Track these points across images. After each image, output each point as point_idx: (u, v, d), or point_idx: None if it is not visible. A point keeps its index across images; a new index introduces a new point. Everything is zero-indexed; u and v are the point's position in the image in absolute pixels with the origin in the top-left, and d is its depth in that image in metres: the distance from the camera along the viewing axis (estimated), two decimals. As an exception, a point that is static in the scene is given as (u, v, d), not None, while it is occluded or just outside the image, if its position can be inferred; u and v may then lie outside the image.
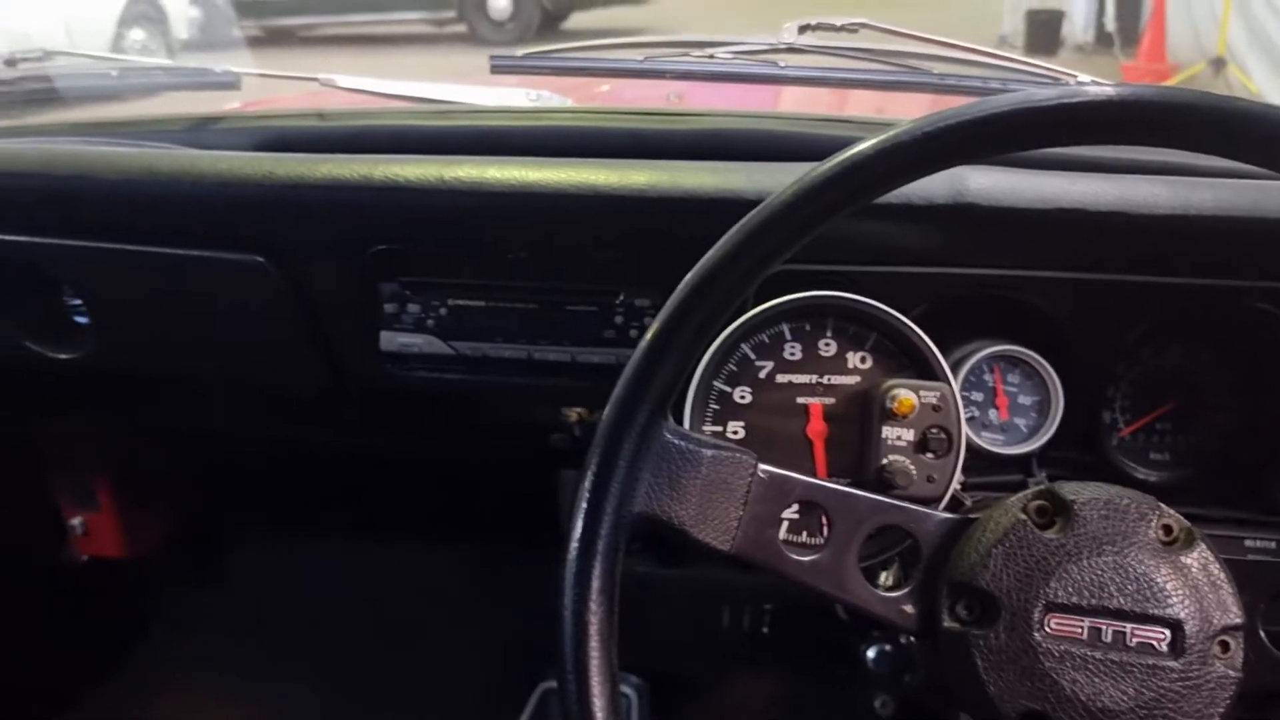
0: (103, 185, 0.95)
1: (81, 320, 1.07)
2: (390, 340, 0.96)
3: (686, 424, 0.77)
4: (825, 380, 0.78)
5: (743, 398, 0.78)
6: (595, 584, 0.60)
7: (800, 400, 0.78)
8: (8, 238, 1.00)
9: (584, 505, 0.61)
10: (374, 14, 9.20)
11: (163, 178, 0.93)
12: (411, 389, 1.00)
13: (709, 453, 0.63)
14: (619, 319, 0.91)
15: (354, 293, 0.95)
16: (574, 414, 1.04)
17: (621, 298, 0.91)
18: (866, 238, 0.82)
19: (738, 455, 0.63)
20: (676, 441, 0.62)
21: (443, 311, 0.94)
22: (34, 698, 1.64)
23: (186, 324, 1.00)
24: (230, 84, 1.17)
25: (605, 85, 1.54)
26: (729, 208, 0.81)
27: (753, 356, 0.78)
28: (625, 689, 1.43)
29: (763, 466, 0.63)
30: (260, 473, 1.73)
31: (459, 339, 0.95)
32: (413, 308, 0.95)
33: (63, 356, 1.06)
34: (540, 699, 1.43)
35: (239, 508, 1.80)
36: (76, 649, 1.73)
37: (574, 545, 0.61)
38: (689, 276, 0.61)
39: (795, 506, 0.65)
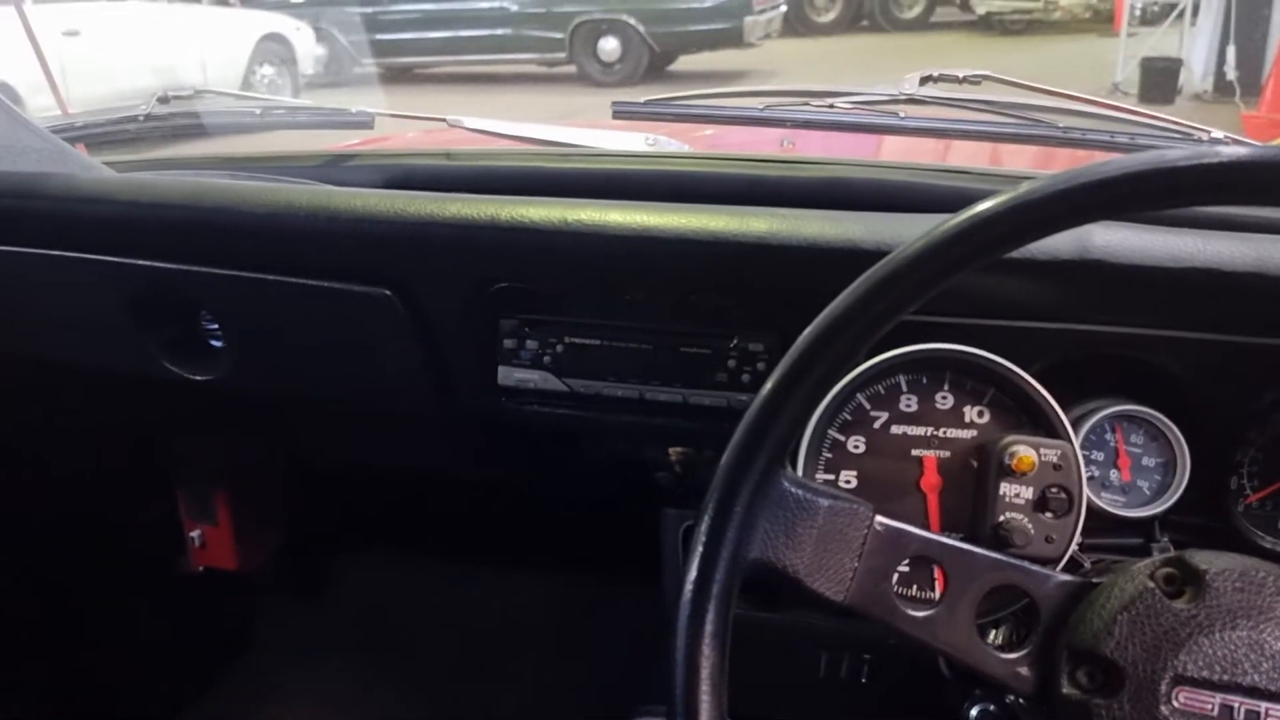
0: (246, 218, 1.00)
1: (217, 344, 1.12)
2: (507, 375, 0.99)
3: (800, 470, 0.78)
4: (941, 433, 0.78)
5: (856, 447, 0.78)
6: (709, 628, 0.61)
7: (915, 452, 0.78)
8: (155, 264, 1.05)
9: (699, 549, 0.62)
10: (489, 55, 9.50)
11: (301, 212, 0.98)
12: (524, 423, 1.02)
13: (826, 502, 0.63)
14: (732, 363, 0.92)
15: (475, 328, 0.98)
16: (675, 454, 1.05)
17: (735, 341, 0.91)
18: (987, 291, 0.81)
19: (854, 506, 0.63)
20: (794, 490, 0.63)
21: (559, 349, 0.96)
22: (141, 703, 1.71)
23: (315, 352, 1.05)
24: (365, 124, 1.23)
25: (710, 129, 1.56)
26: (847, 258, 0.82)
27: (868, 406, 0.78)
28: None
29: (879, 519, 0.63)
30: (367, 495, 1.78)
31: (574, 376, 0.97)
32: (530, 344, 0.97)
33: (198, 378, 1.11)
34: (635, 735, 1.43)
35: (345, 528, 1.85)
36: (184, 658, 1.79)
37: (688, 589, 0.61)
38: (813, 326, 0.61)
39: (906, 560, 0.65)
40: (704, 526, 0.62)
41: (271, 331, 1.06)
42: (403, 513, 1.78)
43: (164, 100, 1.25)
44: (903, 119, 1.01)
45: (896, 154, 1.29)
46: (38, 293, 1.13)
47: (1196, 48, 7.65)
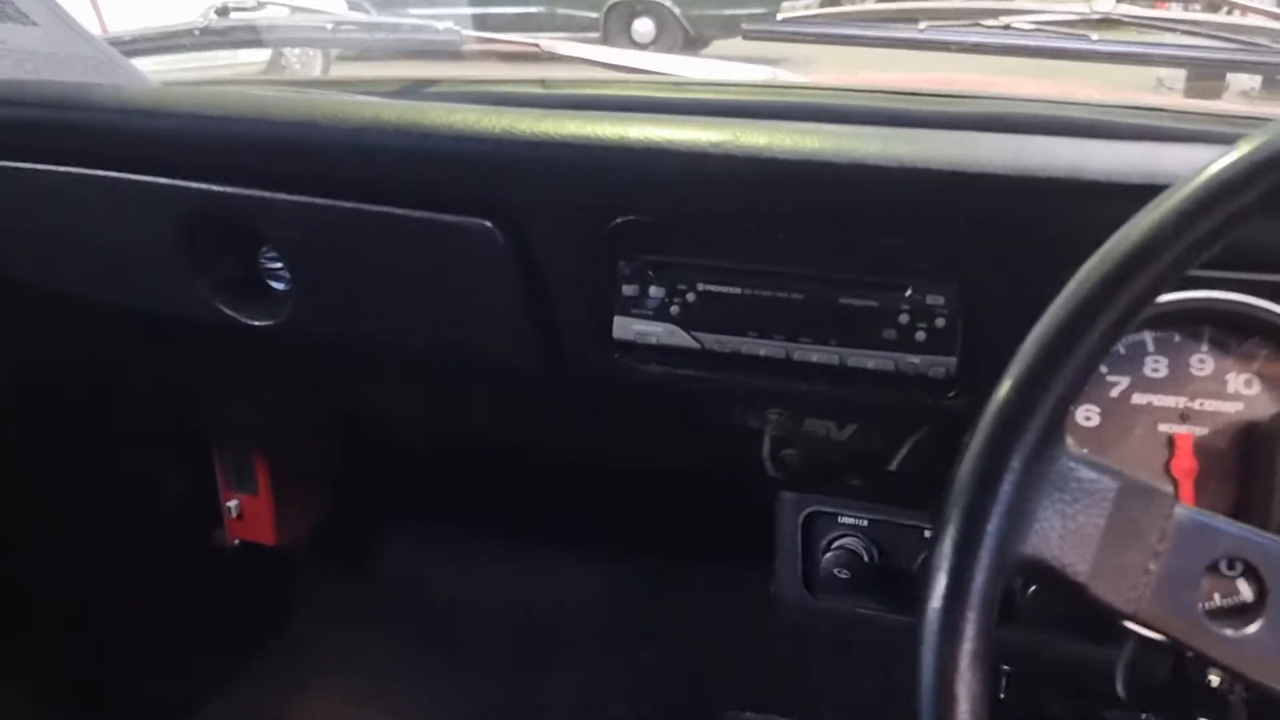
0: (323, 134, 0.86)
1: (279, 286, 0.98)
2: (625, 327, 0.84)
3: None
4: (1197, 405, 0.63)
5: (1088, 419, 0.64)
6: (967, 645, 0.46)
7: (1163, 428, 0.63)
8: (214, 187, 0.91)
9: (952, 542, 0.47)
10: (521, 34, 9.30)
11: (390, 128, 0.83)
12: (637, 385, 0.87)
13: (1116, 484, 0.48)
14: (904, 318, 0.77)
15: (589, 270, 0.83)
16: (815, 425, 0.90)
17: (909, 292, 0.76)
18: (1258, 237, 0.66)
19: (1150, 489, 0.48)
20: (1079, 467, 0.48)
21: (690, 298, 0.82)
22: (174, 684, 1.58)
23: (396, 292, 0.90)
24: (451, 45, 1.08)
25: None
26: (1088, 191, 0.67)
27: (1104, 370, 0.64)
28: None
29: (1181, 507, 0.48)
30: (421, 463, 1.64)
31: (706, 330, 0.82)
32: (655, 291, 0.82)
33: (256, 323, 0.97)
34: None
35: (394, 499, 1.71)
36: (219, 638, 1.66)
37: (939, 594, 0.47)
38: (1116, 242, 0.47)
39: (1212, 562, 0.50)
40: (958, 512, 0.47)
41: (346, 269, 0.92)
42: (458, 483, 1.63)
43: (222, 12, 1.10)
44: (1094, 42, 0.86)
45: (1068, 89, 1.13)
46: (77, 219, 0.99)
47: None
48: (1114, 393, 0.63)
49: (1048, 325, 0.47)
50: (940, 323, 0.76)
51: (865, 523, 0.98)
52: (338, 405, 1.38)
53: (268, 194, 0.90)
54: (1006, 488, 0.47)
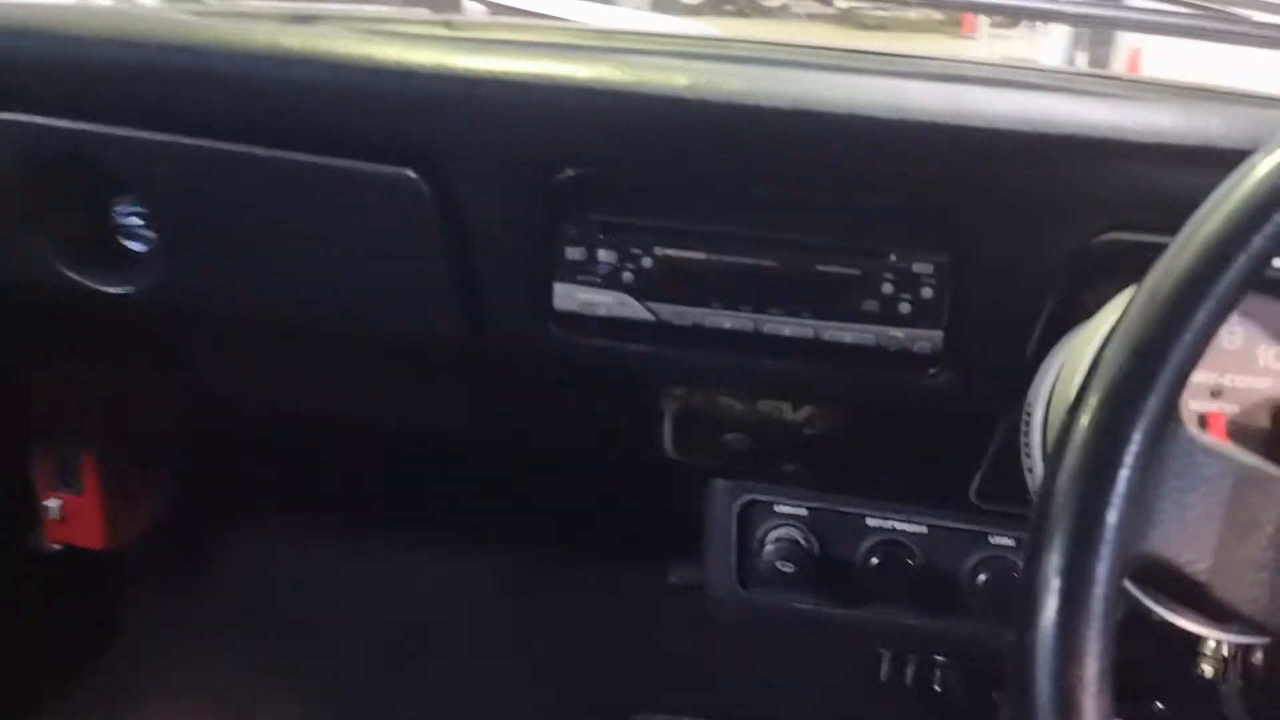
0: (204, 60, 0.72)
1: (138, 246, 0.83)
2: (568, 296, 0.74)
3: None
4: (1228, 381, 0.58)
5: (1115, 396, 0.58)
6: (1092, 666, 0.39)
7: (1193, 406, 0.58)
8: (57, 122, 0.75)
9: (1065, 542, 0.40)
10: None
11: (292, 57, 0.71)
12: (576, 361, 0.78)
13: (1233, 468, 0.42)
14: (887, 288, 0.70)
15: (528, 230, 0.73)
16: (768, 407, 0.83)
17: (893, 258, 0.70)
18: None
19: (1268, 475, 0.43)
20: (1196, 450, 0.42)
21: (645, 263, 0.72)
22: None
23: (292, 255, 0.77)
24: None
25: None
26: (1110, 149, 0.61)
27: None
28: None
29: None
30: (273, 455, 1.48)
31: (662, 300, 0.73)
32: (605, 256, 0.73)
33: (110, 290, 0.81)
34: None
35: (243, 496, 1.54)
36: (33, 655, 1.45)
37: (1052, 607, 0.40)
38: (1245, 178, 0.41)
39: None
40: (1070, 506, 0.40)
41: (229, 227, 0.78)
42: (316, 477, 1.48)
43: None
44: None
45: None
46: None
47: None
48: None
49: (1170, 277, 0.41)
50: (927, 293, 0.70)
51: (804, 512, 0.92)
52: (191, 388, 1.21)
53: (130, 131, 0.75)
54: (1126, 474, 0.40)
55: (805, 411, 0.82)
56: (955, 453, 0.84)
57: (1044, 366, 0.63)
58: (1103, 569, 0.40)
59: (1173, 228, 0.65)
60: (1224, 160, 0.62)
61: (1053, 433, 0.58)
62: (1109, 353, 0.41)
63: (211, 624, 1.57)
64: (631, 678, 1.32)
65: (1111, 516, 0.40)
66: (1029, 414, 0.62)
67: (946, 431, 0.81)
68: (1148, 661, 0.80)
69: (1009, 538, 0.88)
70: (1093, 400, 0.41)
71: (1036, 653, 0.40)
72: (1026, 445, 0.62)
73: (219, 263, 0.79)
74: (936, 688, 0.98)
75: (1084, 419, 0.41)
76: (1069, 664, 0.39)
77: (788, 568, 0.88)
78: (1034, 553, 0.41)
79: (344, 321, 0.80)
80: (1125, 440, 0.40)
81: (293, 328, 0.83)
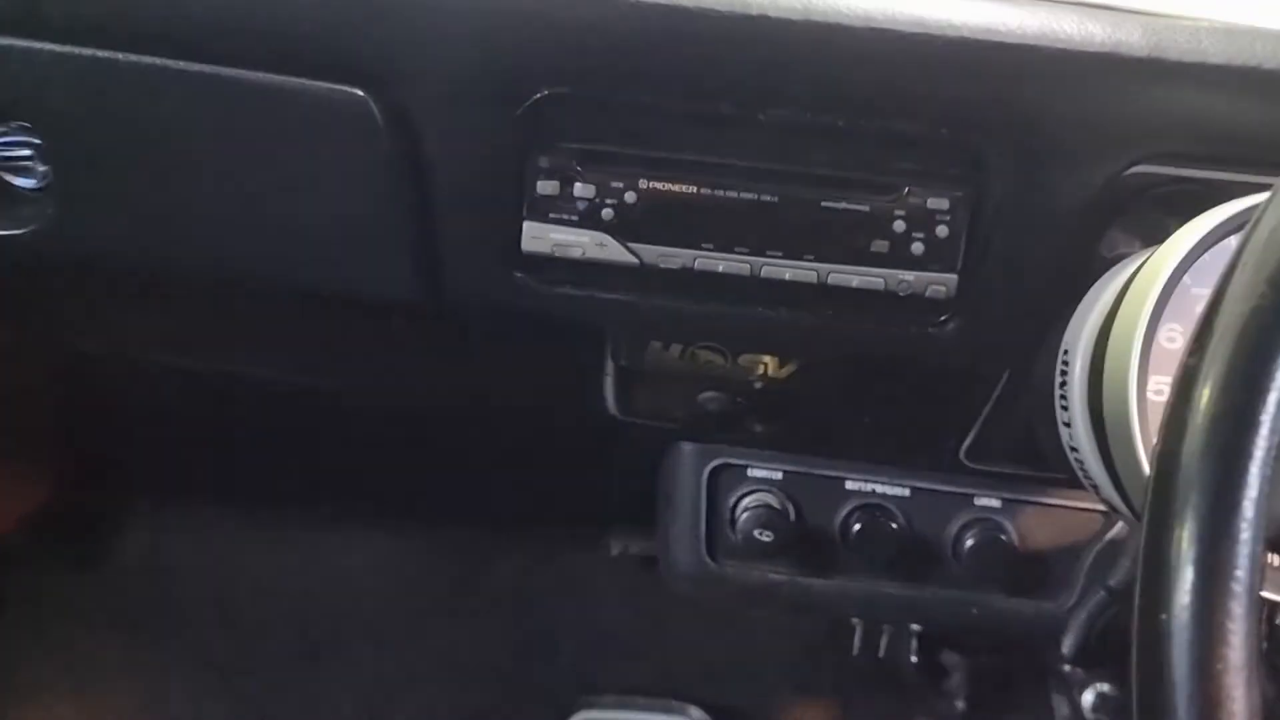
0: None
1: (23, 182, 0.70)
2: (539, 236, 0.65)
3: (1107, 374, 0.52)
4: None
5: (1171, 340, 0.53)
6: (1238, 650, 0.33)
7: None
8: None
9: (1203, 506, 0.34)
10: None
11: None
12: (546, 313, 0.69)
13: None
14: (899, 225, 0.63)
15: (494, 160, 0.64)
16: (761, 365, 0.75)
17: (906, 193, 0.63)
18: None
19: None
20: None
21: (629, 198, 0.64)
22: None
23: (214, 191, 0.66)
24: None
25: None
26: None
27: (1189, 282, 0.53)
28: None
29: None
30: (174, 425, 1.35)
31: (648, 241, 0.65)
32: (582, 190, 0.64)
33: (-9, 232, 0.69)
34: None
35: (140, 472, 1.40)
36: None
37: (1189, 582, 0.33)
38: None
39: None
40: (1207, 463, 0.34)
41: (134, 156, 0.66)
42: (222, 448, 1.35)
43: None
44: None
45: None
46: None
47: None
48: (1200, 308, 0.53)
49: None
50: (942, 232, 0.63)
51: (779, 475, 0.86)
52: (85, 352, 1.07)
53: (11, 40, 0.63)
54: (1270, 424, 0.34)
55: (783, 366, 0.75)
56: (943, 410, 0.78)
57: (1081, 309, 0.57)
58: (1247, 535, 0.34)
59: (1212, 159, 0.61)
60: (1269, 85, 0.58)
61: (1102, 378, 0.52)
62: (1236, 292, 0.35)
63: (108, 613, 1.43)
64: (575, 657, 1.25)
65: (1254, 475, 0.34)
66: (1067, 361, 0.57)
67: (937, 387, 0.76)
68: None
69: (995, 499, 0.84)
70: (1229, 339, 0.35)
71: (1174, 636, 0.34)
72: (1064, 395, 0.57)
73: (124, 201, 0.68)
74: (913, 658, 0.93)
75: (1218, 363, 0.35)
76: (1215, 649, 0.33)
77: (766, 536, 0.82)
78: (1161, 522, 0.35)
79: (274, 271, 0.70)
80: (1268, 386, 0.34)
81: (212, 279, 0.72)
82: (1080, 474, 0.57)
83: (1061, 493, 0.83)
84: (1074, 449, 0.56)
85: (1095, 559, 0.84)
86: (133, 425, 1.36)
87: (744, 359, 0.75)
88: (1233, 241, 0.53)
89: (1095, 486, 0.56)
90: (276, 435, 1.39)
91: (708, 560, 0.87)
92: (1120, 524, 0.83)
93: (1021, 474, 0.82)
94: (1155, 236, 0.61)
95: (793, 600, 0.89)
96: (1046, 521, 0.84)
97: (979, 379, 0.72)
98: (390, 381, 0.91)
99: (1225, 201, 0.54)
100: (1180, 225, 0.55)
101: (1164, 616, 0.34)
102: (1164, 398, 0.51)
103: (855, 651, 0.96)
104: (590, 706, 1.15)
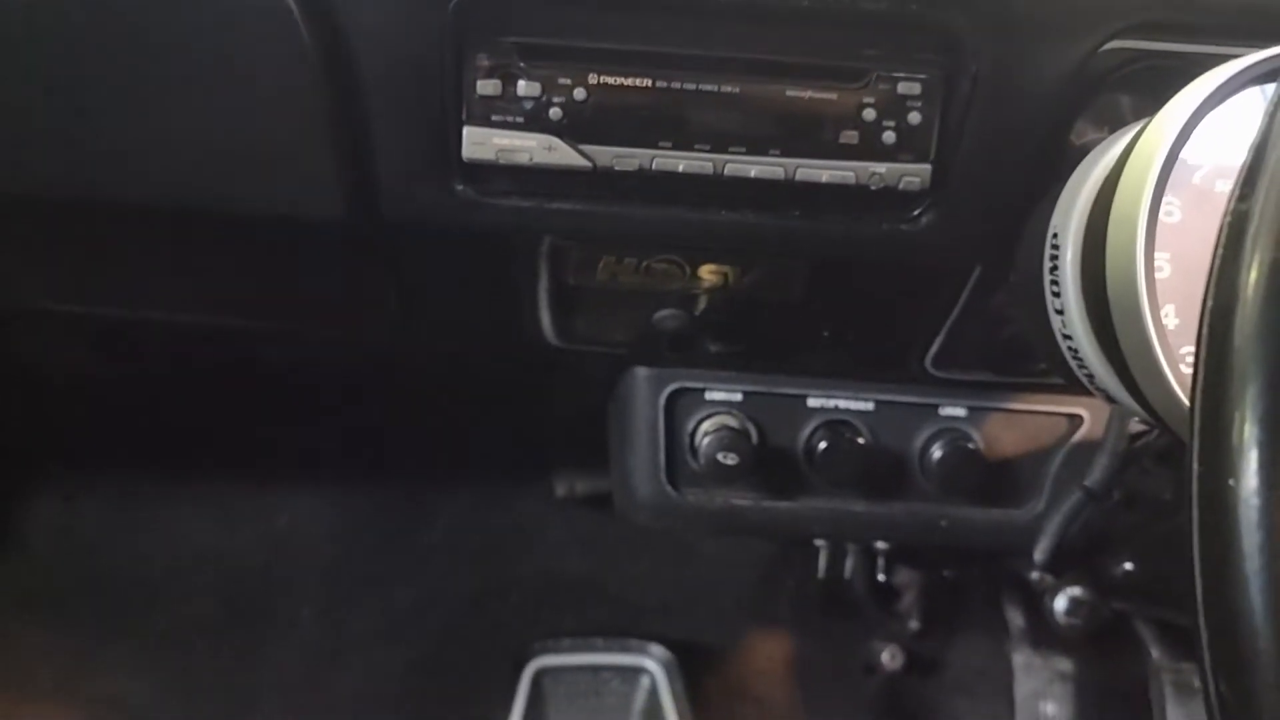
0: None
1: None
2: (480, 142, 0.60)
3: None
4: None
5: (1170, 214, 0.50)
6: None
7: (1251, 222, 0.51)
8: None
9: (1267, 360, 0.31)
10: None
11: None
12: (489, 228, 0.64)
13: None
14: (869, 113, 0.60)
15: (428, 59, 0.58)
16: (721, 276, 0.71)
17: (876, 79, 0.59)
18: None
19: None
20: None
21: (578, 95, 0.59)
22: None
23: (122, 106, 0.59)
24: None
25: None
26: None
27: (1184, 156, 0.50)
28: (648, 664, 1.12)
29: None
30: (78, 387, 1.26)
31: (599, 141, 0.60)
32: (527, 88, 0.59)
33: None
34: (534, 681, 1.09)
35: (44, 439, 1.31)
36: None
37: (1252, 468, 0.31)
38: None
39: None
40: (1266, 311, 0.31)
41: (36, 70, 0.59)
42: (152, 410, 1.27)
43: None
44: None
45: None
46: None
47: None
48: (1197, 179, 0.50)
49: None
50: (914, 119, 0.59)
51: (739, 396, 0.82)
52: None
53: None
54: None
55: (744, 276, 0.70)
56: (909, 317, 0.76)
57: (1069, 190, 0.54)
58: None
59: (1189, 30, 0.58)
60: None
61: (1098, 259, 0.49)
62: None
63: (21, 591, 1.34)
64: (527, 605, 1.21)
65: None
66: (1057, 245, 0.54)
67: (904, 292, 0.73)
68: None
69: (961, 407, 0.82)
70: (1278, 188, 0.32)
71: (1242, 504, 0.31)
72: (1055, 282, 0.54)
73: (25, 123, 0.60)
74: (880, 577, 0.91)
75: (1270, 210, 0.32)
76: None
77: (729, 459, 0.79)
78: (1220, 378, 0.32)
79: (192, 193, 0.63)
80: None
81: (125, 206, 0.64)
82: (1073, 363, 0.54)
83: (1027, 397, 0.81)
84: (1067, 336, 0.53)
85: (1062, 463, 0.82)
86: (40, 389, 1.27)
87: (704, 270, 0.70)
88: (1225, 110, 0.51)
89: (1090, 375, 0.54)
90: (194, 393, 1.31)
91: (669, 489, 0.83)
92: (1087, 426, 0.81)
93: (987, 380, 0.80)
94: (1123, 123, 0.59)
95: (758, 524, 0.86)
96: (1013, 428, 0.82)
97: (949, 278, 0.69)
98: (316, 318, 0.85)
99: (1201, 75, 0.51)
100: (1153, 106, 0.52)
101: (1231, 482, 0.31)
102: (1166, 274, 0.49)
103: (820, 574, 0.93)
104: (547, 652, 1.11)
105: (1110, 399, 0.54)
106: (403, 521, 1.33)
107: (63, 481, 1.37)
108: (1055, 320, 0.54)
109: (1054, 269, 0.54)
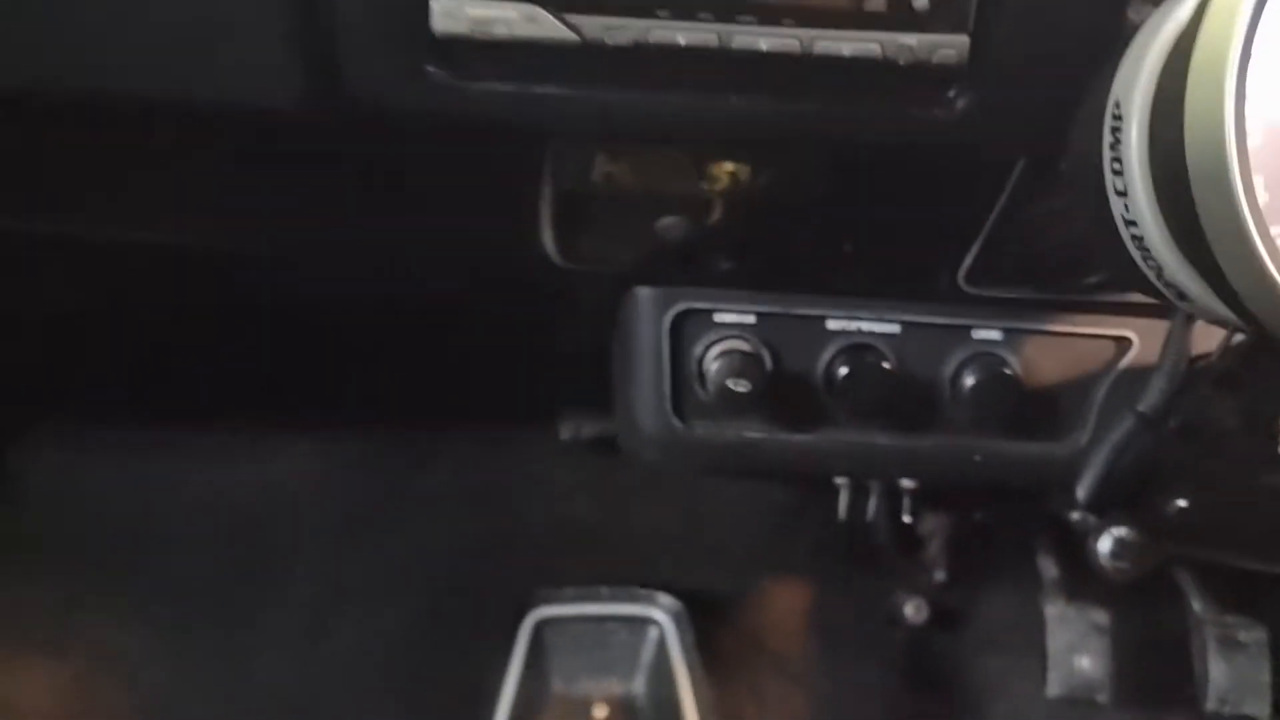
0: None
1: None
2: (452, 12, 0.52)
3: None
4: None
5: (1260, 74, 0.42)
6: None
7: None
8: None
9: None
10: None
11: None
12: (461, 118, 0.57)
13: None
14: (898, -24, 0.51)
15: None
16: (728, 175, 0.63)
17: (905, -65, 0.51)
18: None
19: None
20: None
21: (563, -47, 0.51)
22: None
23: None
24: None
25: None
26: None
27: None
28: (656, 614, 1.06)
29: None
30: (80, 332, 1.20)
31: (587, 10, 0.52)
32: (504, -54, 0.51)
33: None
34: (535, 632, 1.03)
35: (30, 386, 1.25)
36: None
37: None
38: None
39: None
40: None
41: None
42: (120, 357, 1.21)
43: None
44: None
45: None
46: None
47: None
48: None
49: None
50: (950, -20, 0.51)
51: (752, 319, 0.75)
52: None
53: None
54: None
55: (755, 176, 0.63)
56: (941, 223, 0.68)
57: (1131, 58, 0.46)
58: None
59: None
60: None
61: (1171, 130, 0.41)
62: None
63: (15, 539, 1.29)
64: (530, 554, 1.15)
65: None
66: (1119, 117, 0.46)
67: (936, 193, 0.65)
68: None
69: (996, 330, 0.74)
70: None
71: None
72: (1117, 159, 0.46)
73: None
74: (906, 519, 0.84)
75: None
76: None
77: (740, 387, 0.72)
78: None
79: (130, 78, 0.55)
80: None
81: (71, 100, 0.57)
82: (1137, 254, 0.47)
83: (1071, 318, 0.74)
84: (1131, 223, 0.46)
85: (1109, 392, 0.75)
86: (32, 333, 1.21)
87: (711, 169, 0.63)
88: None
89: (1158, 269, 0.46)
90: (191, 341, 1.25)
91: (675, 421, 0.76)
92: (1136, 350, 0.74)
93: (1026, 298, 0.72)
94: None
95: (773, 460, 0.79)
96: (1054, 352, 0.75)
97: (988, 173, 0.61)
98: (295, 235, 0.78)
99: None
100: None
101: None
102: (1257, 143, 0.41)
103: (841, 516, 0.86)
104: (549, 602, 1.05)
105: (1180, 296, 0.46)
106: (401, 468, 1.27)
107: (58, 429, 1.32)
108: (1116, 205, 0.46)
109: (1115, 144, 0.46)
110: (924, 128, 0.56)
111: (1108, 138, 0.47)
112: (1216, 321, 0.47)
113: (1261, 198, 0.39)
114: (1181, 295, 0.46)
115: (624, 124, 0.57)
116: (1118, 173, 0.46)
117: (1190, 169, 0.40)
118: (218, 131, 0.62)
